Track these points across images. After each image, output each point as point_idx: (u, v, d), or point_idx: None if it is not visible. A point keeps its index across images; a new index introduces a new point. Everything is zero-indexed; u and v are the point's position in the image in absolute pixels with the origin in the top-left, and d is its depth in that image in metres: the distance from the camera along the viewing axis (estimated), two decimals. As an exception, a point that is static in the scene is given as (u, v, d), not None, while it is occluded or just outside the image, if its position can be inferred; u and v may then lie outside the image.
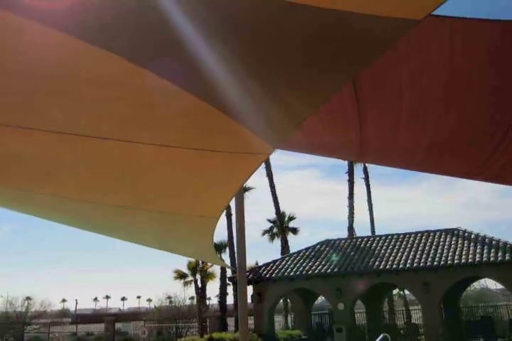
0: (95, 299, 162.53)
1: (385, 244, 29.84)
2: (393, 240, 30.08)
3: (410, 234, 30.50)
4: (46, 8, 2.27)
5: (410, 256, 27.17)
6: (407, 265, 26.35)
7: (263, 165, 35.24)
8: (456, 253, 26.35)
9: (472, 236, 28.12)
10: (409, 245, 28.81)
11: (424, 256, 26.90)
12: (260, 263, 34.08)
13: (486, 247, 26.26)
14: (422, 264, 26.10)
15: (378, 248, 29.48)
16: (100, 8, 2.33)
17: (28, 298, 52.76)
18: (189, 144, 3.64)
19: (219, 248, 43.31)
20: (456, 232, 29.11)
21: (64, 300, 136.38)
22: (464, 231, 28.92)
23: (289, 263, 30.11)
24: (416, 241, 29.10)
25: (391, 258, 27.59)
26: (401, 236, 30.47)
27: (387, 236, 31.15)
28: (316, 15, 2.23)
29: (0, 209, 6.24)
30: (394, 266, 26.60)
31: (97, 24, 2.43)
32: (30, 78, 2.83)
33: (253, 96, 2.95)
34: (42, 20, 2.32)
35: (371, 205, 45.47)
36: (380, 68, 3.31)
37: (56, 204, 5.33)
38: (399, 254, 27.82)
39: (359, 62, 2.59)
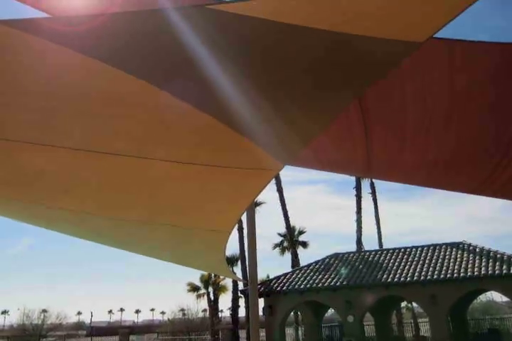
0: (110, 311, 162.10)
1: (393, 257, 29.67)
2: (400, 253, 29.90)
3: (417, 247, 30.32)
4: (67, 31, 2.33)
5: (417, 269, 26.99)
6: (415, 278, 26.16)
7: (273, 180, 35.22)
8: (462, 266, 26.17)
9: (477, 249, 27.93)
10: (416, 258, 28.64)
11: (430, 269, 26.71)
12: (271, 276, 33.93)
13: (490, 260, 26.07)
14: (428, 277, 25.90)
15: (386, 261, 29.31)
16: (118, 31, 2.38)
17: (44, 311, 52.73)
18: (202, 160, 3.68)
19: (231, 261, 43.20)
20: (461, 246, 28.93)
21: (79, 313, 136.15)
22: (469, 245, 28.75)
23: (299, 276, 29.97)
24: (422, 255, 28.93)
25: (399, 271, 27.41)
26: (408, 249, 30.30)
27: (394, 249, 30.98)
28: (323, 38, 2.27)
29: (19, 223, 6.30)
30: (401, 279, 26.42)
31: (114, 46, 2.48)
32: (50, 97, 2.88)
33: (263, 115, 2.98)
34: (62, 42, 2.38)
35: (378, 219, 45.28)
36: (385, 87, 3.34)
37: (73, 218, 5.37)
38: (406, 267, 27.64)
39: (364, 82, 2.63)
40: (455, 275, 25.41)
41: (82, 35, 2.34)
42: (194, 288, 44.06)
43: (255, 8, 2.19)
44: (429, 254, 28.82)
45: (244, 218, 5.88)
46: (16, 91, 2.82)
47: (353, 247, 42.81)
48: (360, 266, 29.47)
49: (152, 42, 2.46)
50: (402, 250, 30.39)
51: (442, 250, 28.99)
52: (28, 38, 2.32)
